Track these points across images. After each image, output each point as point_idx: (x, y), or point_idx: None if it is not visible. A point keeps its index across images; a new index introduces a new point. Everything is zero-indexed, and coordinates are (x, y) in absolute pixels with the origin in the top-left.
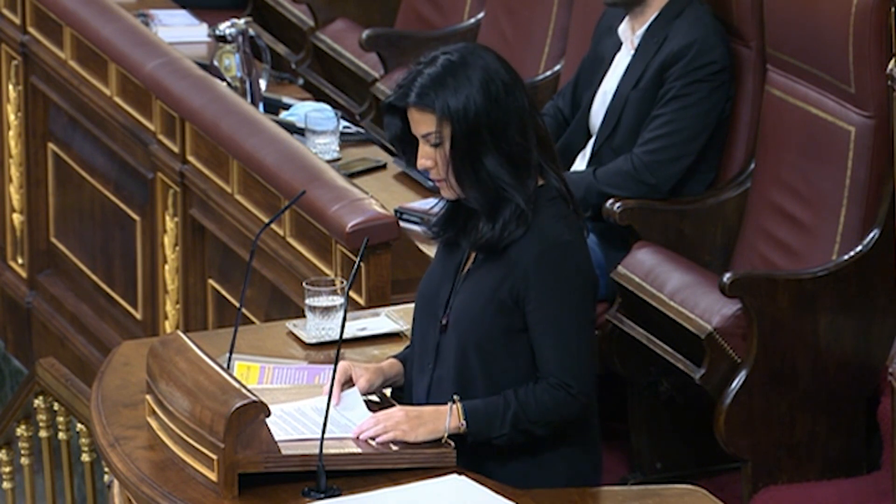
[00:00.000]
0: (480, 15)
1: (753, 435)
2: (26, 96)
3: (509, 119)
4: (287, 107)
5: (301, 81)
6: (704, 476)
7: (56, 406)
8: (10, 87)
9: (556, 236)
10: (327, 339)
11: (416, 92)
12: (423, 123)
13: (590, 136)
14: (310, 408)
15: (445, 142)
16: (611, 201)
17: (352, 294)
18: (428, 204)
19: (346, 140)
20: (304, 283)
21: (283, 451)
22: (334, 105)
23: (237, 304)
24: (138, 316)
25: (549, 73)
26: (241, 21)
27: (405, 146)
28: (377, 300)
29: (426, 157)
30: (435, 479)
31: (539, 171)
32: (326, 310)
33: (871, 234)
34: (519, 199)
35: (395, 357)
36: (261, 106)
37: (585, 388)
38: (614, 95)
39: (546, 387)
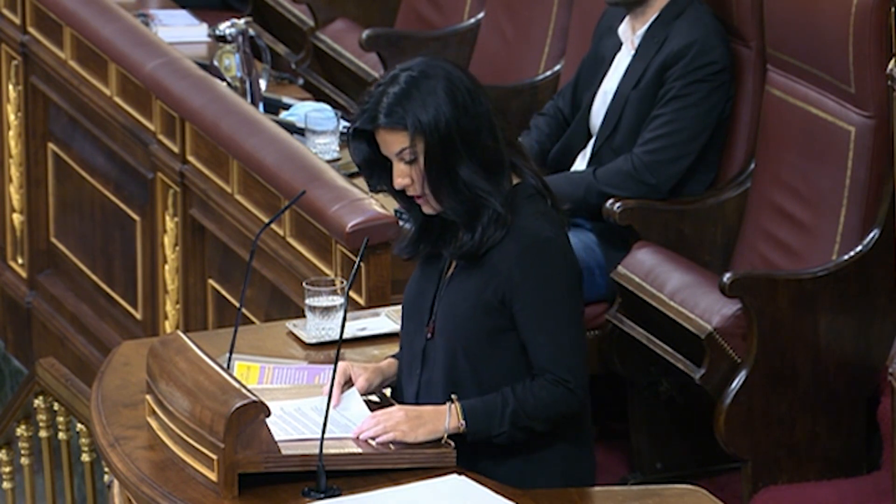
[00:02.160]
0: (480, 15)
1: (753, 435)
2: (26, 96)
3: (479, 124)
4: (287, 107)
5: (301, 81)
6: (704, 476)
7: (56, 406)
8: (10, 87)
9: (537, 233)
10: (327, 339)
11: (385, 112)
12: (395, 142)
13: (590, 137)
14: (309, 408)
15: (420, 157)
16: (611, 201)
17: (352, 294)
18: None
19: (346, 140)
20: (304, 283)
21: (283, 451)
22: (334, 105)
23: (237, 304)
24: (138, 316)
25: (549, 73)
26: (241, 21)
27: (373, 170)
28: (377, 300)
29: (402, 175)
30: (435, 479)
31: (514, 171)
32: (326, 310)
33: (871, 234)
34: (496, 204)
35: (393, 356)
36: (261, 106)
37: (581, 382)
38: (614, 95)
39: (543, 383)
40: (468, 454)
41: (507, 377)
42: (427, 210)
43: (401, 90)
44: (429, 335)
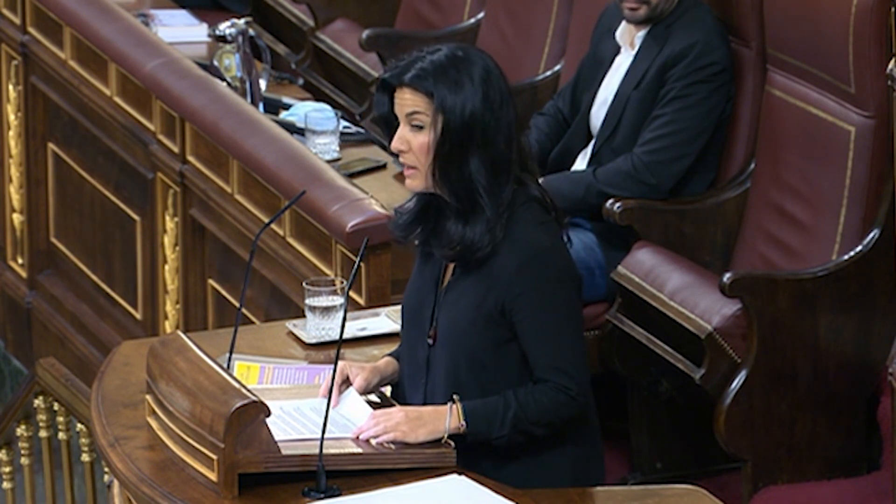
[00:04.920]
0: (480, 15)
1: (753, 435)
2: (26, 96)
3: (500, 127)
4: (287, 107)
5: (301, 81)
6: (704, 476)
7: (56, 406)
8: (10, 87)
9: (536, 244)
10: (327, 339)
11: (415, 73)
12: (411, 104)
13: (590, 138)
14: (309, 408)
15: (429, 129)
16: (611, 201)
17: (352, 294)
18: None
19: (346, 140)
20: (304, 283)
21: (283, 451)
22: (334, 105)
23: (237, 304)
24: (138, 316)
25: (549, 73)
26: (241, 21)
27: (389, 129)
28: (377, 300)
29: (401, 140)
30: (435, 479)
31: (517, 184)
32: (326, 310)
33: (871, 234)
34: (490, 209)
35: (389, 355)
36: (261, 106)
37: (583, 389)
38: (615, 96)
39: (545, 389)
40: (474, 455)
41: (510, 387)
42: (412, 183)
43: (438, 61)
44: (431, 341)
